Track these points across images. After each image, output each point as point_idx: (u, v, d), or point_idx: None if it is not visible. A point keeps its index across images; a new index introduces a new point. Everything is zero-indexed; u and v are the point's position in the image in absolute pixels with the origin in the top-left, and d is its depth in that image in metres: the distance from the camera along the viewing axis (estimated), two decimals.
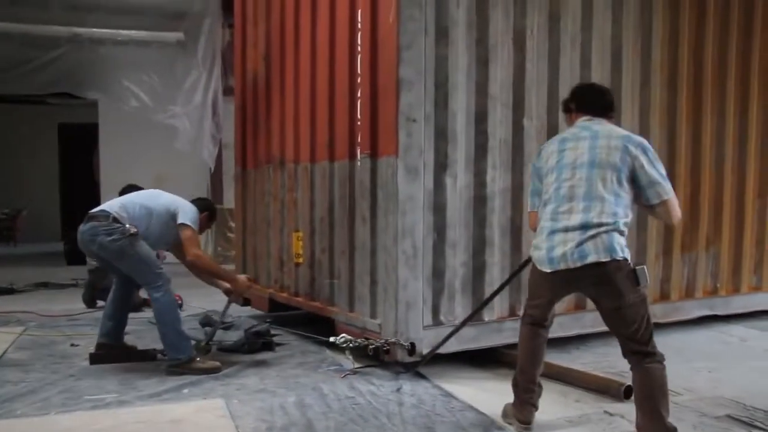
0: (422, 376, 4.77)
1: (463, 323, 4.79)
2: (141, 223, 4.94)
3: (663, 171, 3.54)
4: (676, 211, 3.52)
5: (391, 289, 4.77)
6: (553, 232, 3.54)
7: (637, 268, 3.45)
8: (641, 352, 3.47)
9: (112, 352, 5.20)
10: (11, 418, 3.94)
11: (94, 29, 10.00)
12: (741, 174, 6.50)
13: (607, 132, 3.59)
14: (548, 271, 3.57)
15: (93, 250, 4.97)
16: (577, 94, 3.88)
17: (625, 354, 3.54)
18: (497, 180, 5.11)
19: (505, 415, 3.90)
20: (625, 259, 3.44)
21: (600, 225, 3.43)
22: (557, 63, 5.31)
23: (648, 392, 3.45)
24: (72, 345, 5.73)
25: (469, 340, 4.99)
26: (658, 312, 6.00)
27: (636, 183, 3.52)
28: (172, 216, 5.05)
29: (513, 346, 5.10)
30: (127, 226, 4.84)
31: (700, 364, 5.06)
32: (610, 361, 5.00)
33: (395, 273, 4.71)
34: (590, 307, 5.51)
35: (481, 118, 5.01)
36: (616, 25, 5.60)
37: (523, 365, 3.82)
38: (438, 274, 4.91)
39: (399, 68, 4.65)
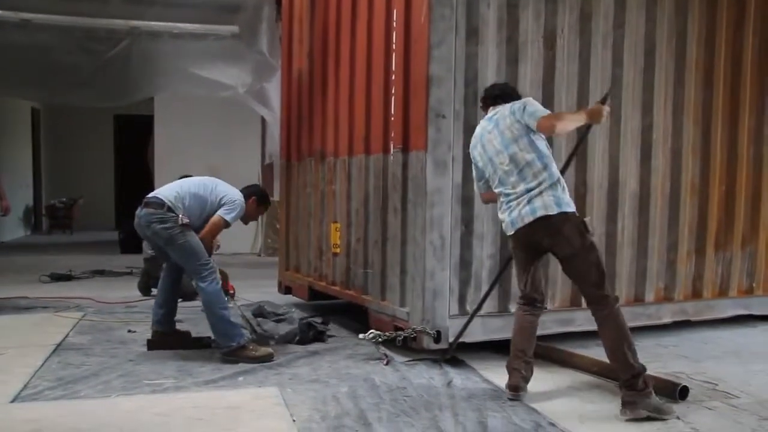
0: (471, 369, 4.85)
1: (476, 310, 4.93)
2: (193, 214, 5.10)
3: (541, 108, 4.13)
4: (556, 127, 4.06)
5: (418, 279, 4.93)
6: (508, 203, 4.18)
7: (585, 219, 4.20)
8: (597, 296, 4.02)
9: (169, 338, 5.35)
10: (76, 399, 4.12)
11: (152, 22, 10.33)
12: None
13: (501, 114, 4.23)
14: (512, 233, 4.19)
15: (147, 235, 5.16)
16: (482, 94, 4.56)
17: (589, 304, 4.11)
18: None
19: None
20: (572, 212, 4.07)
21: (539, 184, 4.04)
22: (588, 62, 5.40)
23: (611, 343, 4.00)
24: (129, 331, 5.92)
25: (496, 330, 5.12)
26: (690, 309, 6.07)
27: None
28: (221, 207, 5.19)
29: (541, 338, 5.24)
30: (180, 216, 5.01)
31: (757, 367, 5.00)
32: (662, 362, 4.98)
33: (423, 263, 4.88)
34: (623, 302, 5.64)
35: None
36: (649, 24, 5.65)
37: (515, 338, 4.34)
38: (465, 265, 5.07)
39: (429, 65, 4.82)
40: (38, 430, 3.60)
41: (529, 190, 4.05)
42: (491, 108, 4.36)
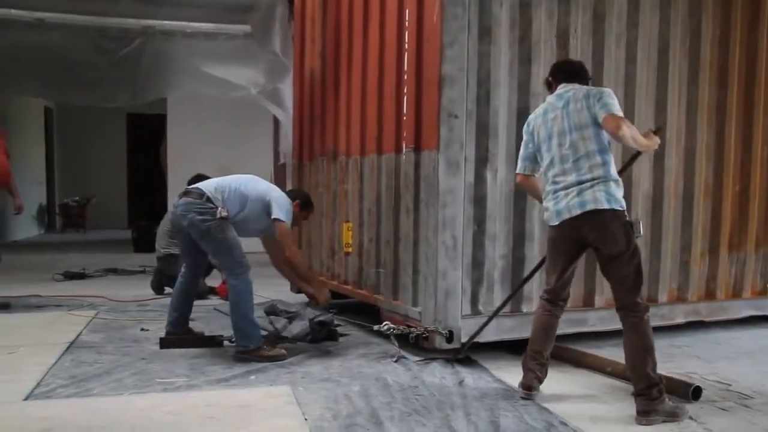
0: (483, 368, 4.83)
1: (498, 310, 4.92)
2: (233, 209, 5.01)
3: (617, 105, 3.89)
4: (623, 130, 3.78)
5: (431, 279, 4.93)
6: (555, 192, 4.03)
7: (633, 219, 3.94)
8: (631, 302, 3.89)
9: (182, 337, 5.35)
10: (89, 397, 4.13)
11: (165, 21, 10.36)
12: None
13: (575, 96, 4.00)
14: (556, 223, 4.04)
15: (183, 225, 5.05)
16: (552, 69, 4.34)
17: (620, 309, 3.95)
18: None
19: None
20: (622, 210, 3.89)
21: (593, 179, 3.88)
22: (602, 61, 5.38)
23: (633, 351, 3.88)
24: (142, 329, 5.93)
25: (508, 330, 5.11)
26: (703, 310, 6.03)
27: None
28: (265, 207, 5.11)
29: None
30: (219, 209, 4.94)
31: None
32: (676, 362, 4.95)
33: (435, 263, 4.87)
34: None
35: (523, 115, 5.06)
36: (663, 24, 5.62)
37: (534, 337, 4.26)
38: (477, 265, 5.06)
39: (441, 65, 4.81)
40: (51, 428, 3.61)
41: (580, 182, 3.89)
42: (563, 85, 4.12)
